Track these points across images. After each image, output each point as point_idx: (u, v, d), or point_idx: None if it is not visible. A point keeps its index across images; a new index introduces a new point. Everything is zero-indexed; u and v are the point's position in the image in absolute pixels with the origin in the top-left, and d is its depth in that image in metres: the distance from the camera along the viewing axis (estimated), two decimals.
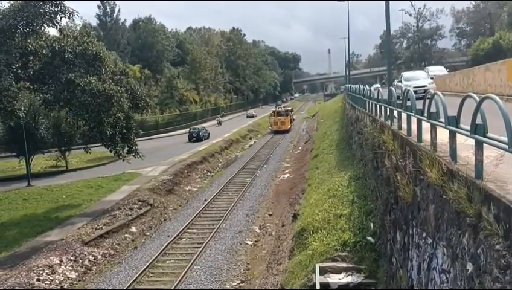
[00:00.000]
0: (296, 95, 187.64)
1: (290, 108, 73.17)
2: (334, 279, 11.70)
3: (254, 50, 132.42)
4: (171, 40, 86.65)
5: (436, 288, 7.03)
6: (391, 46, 60.87)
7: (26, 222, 22.26)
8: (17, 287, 14.40)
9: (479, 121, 5.64)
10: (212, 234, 20.92)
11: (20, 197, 26.94)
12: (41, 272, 16.37)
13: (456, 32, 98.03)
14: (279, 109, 68.44)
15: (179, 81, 75.15)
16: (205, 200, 27.10)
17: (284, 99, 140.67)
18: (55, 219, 22.66)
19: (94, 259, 18.60)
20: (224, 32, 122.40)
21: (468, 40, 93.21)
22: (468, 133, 5.91)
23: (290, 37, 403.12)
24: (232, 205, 25.73)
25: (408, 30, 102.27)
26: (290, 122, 64.92)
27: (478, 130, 5.62)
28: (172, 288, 14.77)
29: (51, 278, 16.39)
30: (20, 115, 21.06)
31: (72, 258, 17.96)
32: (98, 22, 75.41)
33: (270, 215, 24.15)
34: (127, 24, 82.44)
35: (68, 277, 16.89)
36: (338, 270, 12.05)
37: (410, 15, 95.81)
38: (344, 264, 12.26)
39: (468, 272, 5.50)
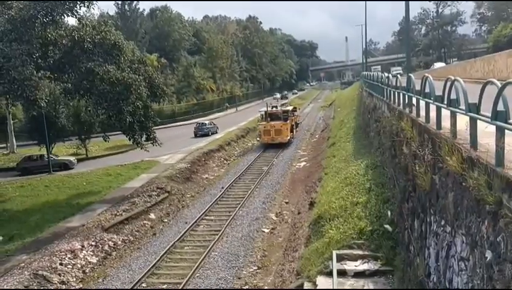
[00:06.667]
0: (313, 83, 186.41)
1: (291, 107, 50.61)
2: (351, 266, 11.74)
3: (271, 38, 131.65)
4: (188, 28, 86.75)
5: (454, 276, 7.02)
6: (409, 32, 59.89)
7: (48, 208, 22.87)
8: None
9: (500, 107, 5.56)
10: (229, 221, 21.14)
11: (42, 184, 27.65)
12: (63, 257, 16.86)
13: (477, 17, 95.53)
14: (274, 109, 44.29)
15: (196, 70, 75.35)
16: (222, 187, 27.33)
17: (285, 93, 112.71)
18: (76, 205, 23.21)
19: (114, 245, 19.03)
20: (241, 21, 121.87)
21: (489, 26, 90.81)
22: (489, 120, 5.83)
23: (307, 25, 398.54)
24: (249, 192, 25.89)
25: (427, 16, 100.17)
26: (292, 130, 43.88)
27: (500, 116, 5.54)
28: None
29: (73, 262, 16.86)
30: (42, 104, 21.43)
31: (92, 243, 18.42)
32: (117, 10, 75.90)
33: (286, 203, 24.26)
34: (145, 13, 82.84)
35: (89, 262, 17.36)
36: (354, 258, 12.09)
37: (430, 0, 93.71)
38: (360, 252, 12.29)
39: (487, 259, 5.49)
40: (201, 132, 46.23)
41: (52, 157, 31.74)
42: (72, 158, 33.54)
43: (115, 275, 16.45)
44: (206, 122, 49.74)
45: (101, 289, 15.60)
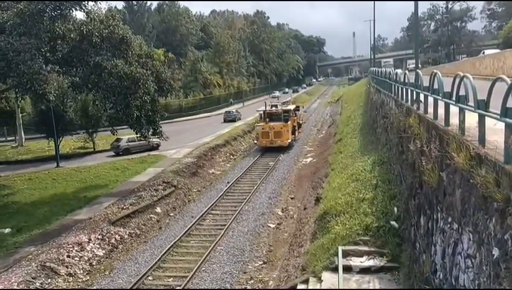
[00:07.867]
0: (320, 78, 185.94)
1: (294, 105, 45.32)
2: (356, 262, 11.74)
3: (278, 33, 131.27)
4: (195, 23, 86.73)
5: (460, 274, 7.00)
6: (418, 28, 59.30)
7: (56, 201, 23.07)
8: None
9: (510, 104, 5.51)
10: (235, 215, 21.20)
11: (50, 177, 27.87)
12: (71, 249, 17.03)
13: (487, 13, 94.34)
14: (274, 109, 39.90)
15: (203, 65, 75.36)
16: (228, 182, 27.39)
17: (295, 88, 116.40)
18: (83, 198, 23.39)
19: (120, 238, 19.17)
20: (248, 16, 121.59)
21: (499, 22, 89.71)
22: (499, 117, 5.79)
23: (315, 20, 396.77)
24: (255, 187, 25.93)
25: (436, 12, 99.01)
26: (293, 132, 39.61)
27: (509, 113, 5.50)
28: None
29: (80, 255, 17.02)
30: (51, 98, 21.55)
31: (99, 236, 18.57)
32: (125, 5, 76.08)
33: (292, 198, 24.27)
34: (152, 8, 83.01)
35: (96, 254, 17.51)
36: (360, 254, 12.07)
37: None
38: (366, 248, 12.27)
39: (494, 257, 5.46)
40: (229, 118, 55.93)
41: (145, 140, 33.75)
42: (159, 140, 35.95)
43: (121, 268, 16.59)
44: (233, 110, 60.42)
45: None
